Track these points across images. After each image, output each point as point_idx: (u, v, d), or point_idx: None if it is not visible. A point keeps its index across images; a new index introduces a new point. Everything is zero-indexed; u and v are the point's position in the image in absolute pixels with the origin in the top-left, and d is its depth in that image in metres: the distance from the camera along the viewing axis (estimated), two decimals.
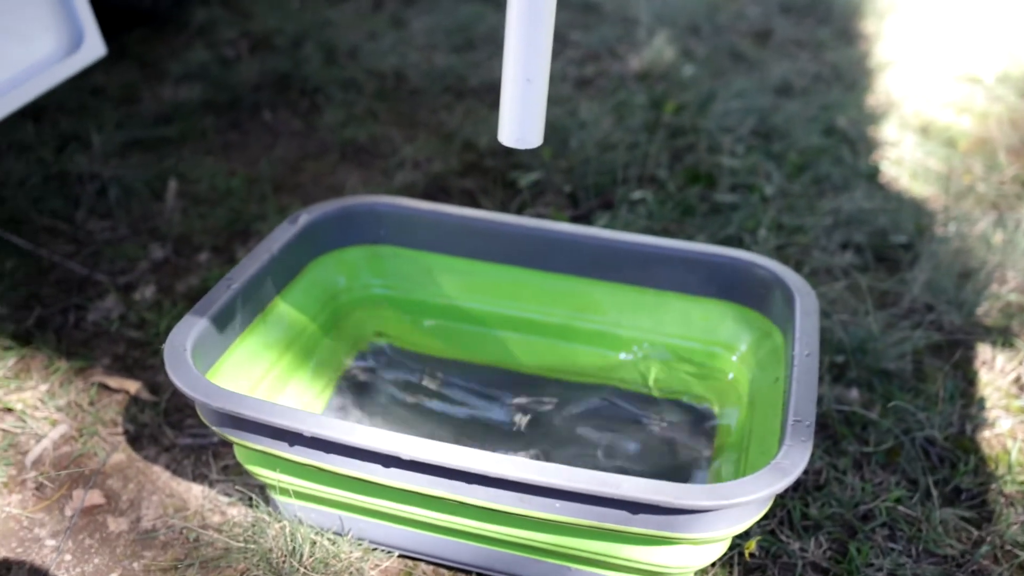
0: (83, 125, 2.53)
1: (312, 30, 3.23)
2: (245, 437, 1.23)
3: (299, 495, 1.33)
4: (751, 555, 1.42)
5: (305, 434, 1.16)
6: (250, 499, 1.48)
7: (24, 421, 1.62)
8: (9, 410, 1.64)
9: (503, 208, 2.24)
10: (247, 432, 1.22)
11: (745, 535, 1.44)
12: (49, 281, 1.96)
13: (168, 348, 1.27)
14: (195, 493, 1.51)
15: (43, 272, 1.98)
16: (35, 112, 2.57)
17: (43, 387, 1.69)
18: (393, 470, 1.18)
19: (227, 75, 2.89)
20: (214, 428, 1.26)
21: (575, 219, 2.22)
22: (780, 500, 1.51)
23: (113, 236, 2.11)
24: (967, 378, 1.78)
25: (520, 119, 1.27)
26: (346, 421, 1.19)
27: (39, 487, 1.51)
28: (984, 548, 1.45)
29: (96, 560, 1.40)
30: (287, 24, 3.27)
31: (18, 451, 1.57)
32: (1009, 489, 1.55)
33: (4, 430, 1.60)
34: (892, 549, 1.44)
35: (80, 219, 2.16)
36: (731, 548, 1.42)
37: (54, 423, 1.62)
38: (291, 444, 1.21)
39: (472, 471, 1.12)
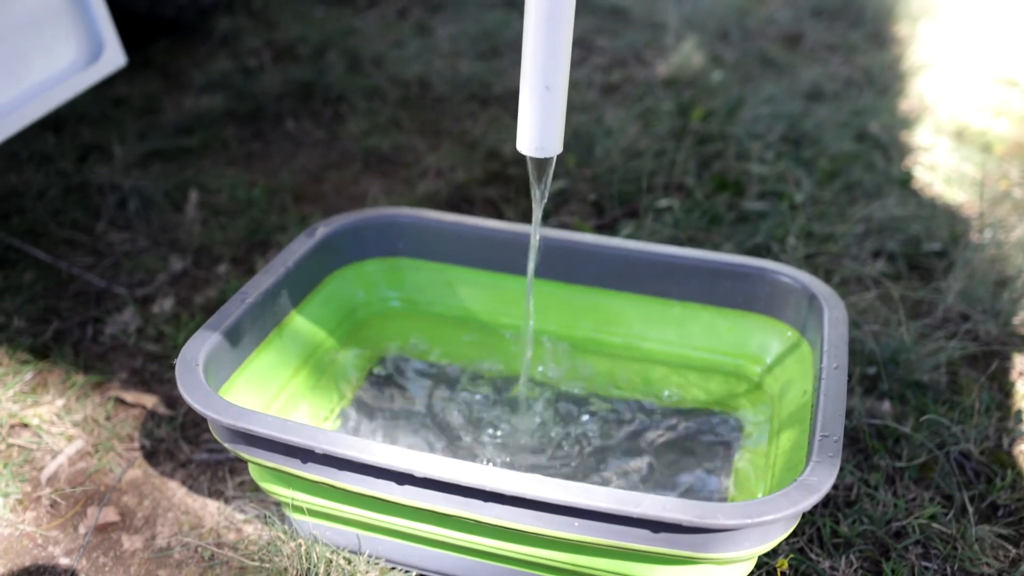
0: (104, 136, 2.53)
1: (336, 38, 3.22)
2: (257, 454, 1.21)
3: (314, 513, 1.30)
4: (782, 574, 1.38)
5: (317, 451, 1.13)
6: (266, 517, 1.45)
7: (40, 436, 1.60)
8: (25, 425, 1.62)
9: (526, 218, 2.21)
10: (259, 449, 1.20)
11: (772, 553, 1.40)
12: (67, 294, 1.95)
13: (180, 364, 1.25)
14: (211, 510, 1.49)
15: (62, 284, 1.97)
16: (56, 123, 2.57)
17: (59, 402, 1.67)
18: (408, 488, 1.15)
19: (250, 84, 2.88)
20: (227, 445, 1.23)
21: (600, 228, 2.18)
22: (809, 517, 1.46)
23: (132, 248, 2.10)
24: (1003, 390, 1.73)
25: (539, 127, 1.25)
26: (361, 437, 1.16)
27: (53, 504, 1.49)
28: (1023, 567, 1.40)
29: None
30: (311, 33, 3.26)
31: (33, 467, 1.55)
32: None
33: (20, 446, 1.58)
34: (926, 568, 1.40)
35: (100, 231, 2.15)
36: (757, 567, 1.38)
37: (70, 438, 1.60)
38: (304, 461, 1.18)
39: (488, 489, 1.09)
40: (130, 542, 1.43)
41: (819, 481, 1.08)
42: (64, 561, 1.40)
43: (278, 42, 3.21)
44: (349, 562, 1.34)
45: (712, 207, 2.24)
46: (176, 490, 1.52)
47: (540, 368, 1.66)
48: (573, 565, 1.19)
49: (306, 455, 1.17)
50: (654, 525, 1.07)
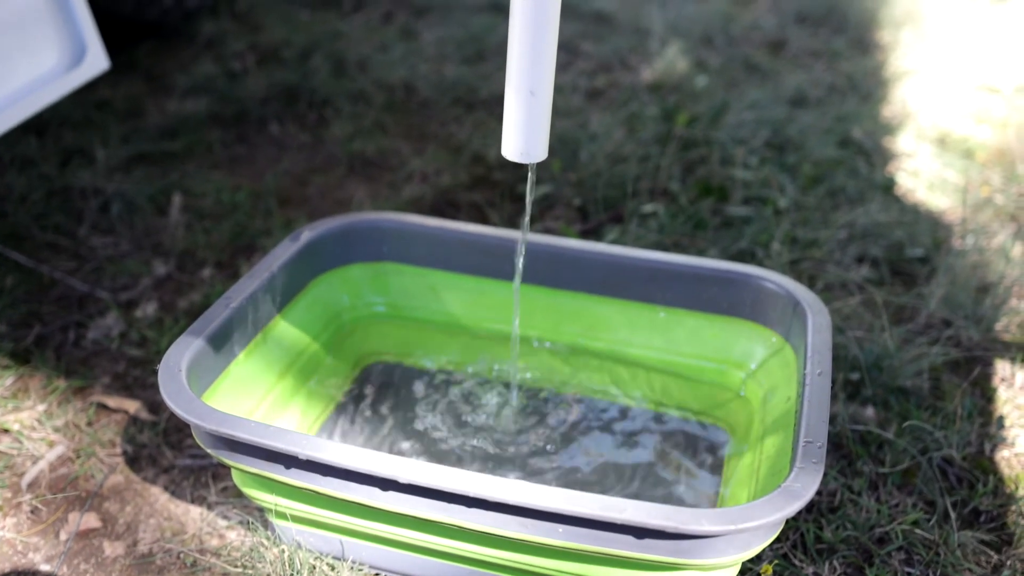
0: (87, 139, 2.52)
1: (321, 42, 3.21)
2: (240, 460, 1.20)
3: (297, 519, 1.30)
4: None
5: (301, 457, 1.13)
6: (249, 523, 1.44)
7: (21, 442, 1.59)
8: (6, 431, 1.61)
9: (511, 222, 2.21)
10: (242, 455, 1.19)
11: (756, 559, 1.40)
12: (50, 298, 1.93)
13: (163, 369, 1.24)
14: (193, 516, 1.48)
15: (44, 289, 1.96)
16: (38, 126, 2.56)
17: (41, 407, 1.66)
18: (391, 494, 1.14)
19: (234, 88, 2.87)
20: (210, 451, 1.22)
21: (584, 233, 2.18)
22: (793, 523, 1.47)
23: (115, 252, 2.09)
24: (986, 396, 1.74)
25: (524, 132, 1.25)
26: (344, 443, 1.16)
27: (34, 510, 1.48)
28: (1005, 573, 1.40)
29: None
30: (296, 36, 3.25)
31: (14, 473, 1.54)
32: None
33: (0, 451, 1.57)
34: (909, 574, 1.40)
35: (82, 235, 2.14)
36: (742, 573, 1.38)
37: (51, 444, 1.59)
38: (287, 467, 1.17)
39: (472, 495, 1.09)
40: (112, 548, 1.43)
41: (803, 487, 1.08)
42: (45, 568, 1.39)
43: (263, 45, 3.20)
44: (333, 568, 1.34)
45: (697, 212, 2.24)
46: (158, 496, 1.52)
47: (527, 375, 1.66)
48: (557, 571, 1.18)
49: (289, 461, 1.16)
50: (638, 531, 1.07)
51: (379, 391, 1.63)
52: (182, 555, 1.41)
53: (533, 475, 1.48)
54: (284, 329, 1.53)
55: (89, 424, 1.64)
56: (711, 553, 1.09)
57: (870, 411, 1.67)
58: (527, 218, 1.44)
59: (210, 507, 1.49)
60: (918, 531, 1.45)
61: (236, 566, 1.38)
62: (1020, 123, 2.79)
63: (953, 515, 1.48)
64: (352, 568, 1.34)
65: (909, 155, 2.58)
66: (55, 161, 2.41)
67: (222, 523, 1.47)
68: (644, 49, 3.28)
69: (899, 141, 2.66)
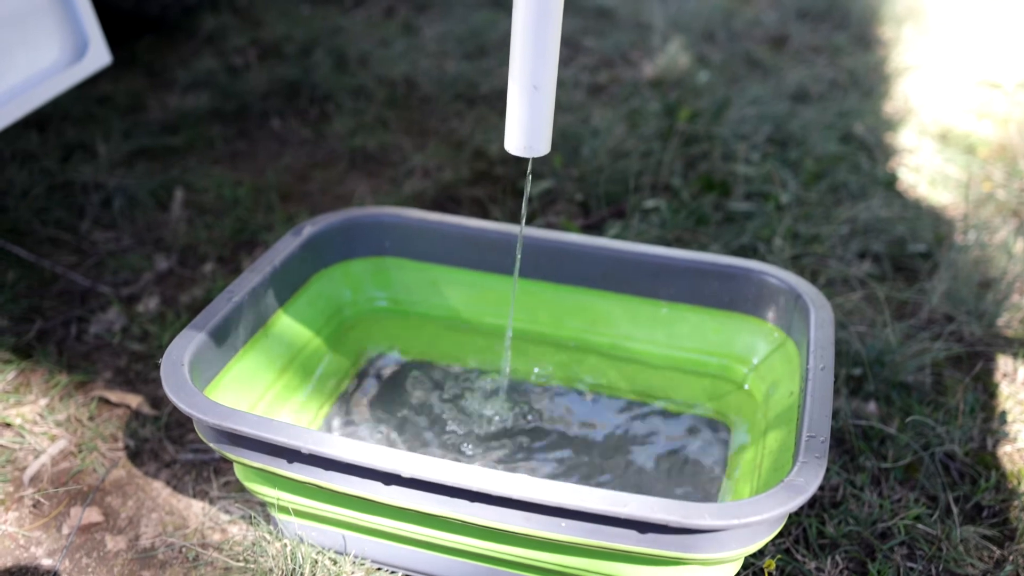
0: (89, 134, 2.51)
1: (322, 37, 3.21)
2: (243, 454, 1.20)
3: (300, 513, 1.30)
4: (769, 574, 1.38)
5: (303, 451, 1.13)
6: (251, 517, 1.44)
7: (23, 436, 1.59)
8: (8, 425, 1.61)
9: (513, 217, 2.21)
10: (245, 449, 1.19)
11: (759, 554, 1.40)
12: (51, 293, 1.93)
13: (165, 363, 1.24)
14: (195, 510, 1.48)
15: (45, 284, 1.96)
16: (40, 121, 2.56)
17: (43, 401, 1.66)
18: (394, 488, 1.14)
19: (235, 83, 2.87)
20: (212, 445, 1.22)
21: (586, 228, 2.18)
22: (795, 517, 1.47)
23: (117, 247, 2.09)
24: (988, 391, 1.74)
25: (527, 127, 1.25)
26: (347, 437, 1.16)
27: (36, 504, 1.48)
28: (1007, 568, 1.40)
29: None
30: (297, 31, 3.25)
31: (16, 467, 1.54)
32: None
33: (2, 445, 1.57)
34: (912, 569, 1.40)
35: (84, 229, 2.14)
36: (744, 567, 1.38)
37: (53, 438, 1.59)
38: (289, 461, 1.17)
39: (475, 489, 1.09)
40: (114, 542, 1.42)
41: (806, 482, 1.08)
42: (47, 562, 1.39)
43: (264, 40, 3.20)
44: (335, 563, 1.34)
45: (699, 208, 2.24)
46: (160, 490, 1.52)
47: (535, 369, 1.66)
48: (560, 566, 1.19)
49: (292, 455, 1.16)
50: (641, 526, 1.07)
51: (381, 385, 1.63)
52: (184, 549, 1.41)
53: (535, 469, 1.48)
54: (286, 323, 1.53)
55: (91, 418, 1.64)
56: (714, 548, 1.09)
57: (872, 406, 1.67)
58: (524, 211, 1.44)
59: (212, 501, 1.49)
60: (920, 526, 1.45)
61: (238, 560, 1.38)
62: (1022, 118, 2.79)
63: (955, 510, 1.49)
64: (354, 563, 1.34)
65: (911, 151, 2.58)
66: (56, 156, 2.41)
67: (224, 517, 1.46)
68: (646, 44, 3.28)
69: (901, 137, 2.66)
